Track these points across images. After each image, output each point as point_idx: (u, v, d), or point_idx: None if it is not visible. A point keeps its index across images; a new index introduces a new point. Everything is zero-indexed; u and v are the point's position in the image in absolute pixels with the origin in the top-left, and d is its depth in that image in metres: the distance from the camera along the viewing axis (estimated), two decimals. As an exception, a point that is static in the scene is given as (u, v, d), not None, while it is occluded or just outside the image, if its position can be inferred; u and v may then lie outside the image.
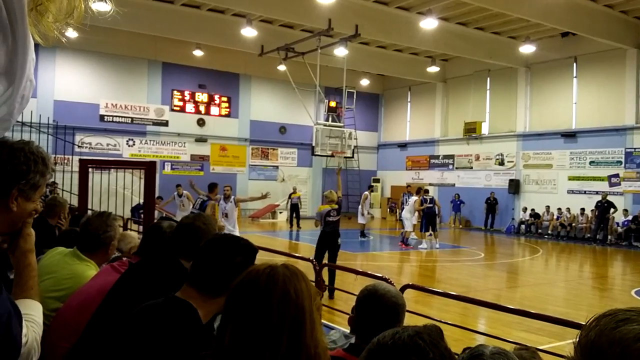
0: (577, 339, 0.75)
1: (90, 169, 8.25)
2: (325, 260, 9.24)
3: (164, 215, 18.42)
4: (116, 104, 24.48)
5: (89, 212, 8.79)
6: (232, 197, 10.99)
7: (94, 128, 23.86)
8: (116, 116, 24.53)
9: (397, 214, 28.62)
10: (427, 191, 18.37)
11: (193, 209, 11.60)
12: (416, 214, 17.68)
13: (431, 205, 17.19)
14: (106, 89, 24.08)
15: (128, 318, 1.82)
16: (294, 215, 23.65)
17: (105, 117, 24.30)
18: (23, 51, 0.88)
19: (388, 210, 29.64)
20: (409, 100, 30.77)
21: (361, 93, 29.67)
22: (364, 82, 29.55)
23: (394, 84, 30.76)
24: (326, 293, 8.88)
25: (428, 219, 17.16)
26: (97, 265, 2.86)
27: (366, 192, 20.22)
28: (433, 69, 25.90)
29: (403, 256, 15.49)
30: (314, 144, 21.60)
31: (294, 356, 1.35)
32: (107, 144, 24.24)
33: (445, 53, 24.22)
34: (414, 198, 17.45)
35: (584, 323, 2.98)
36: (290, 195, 24.48)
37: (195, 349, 1.63)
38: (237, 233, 11.74)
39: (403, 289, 4.96)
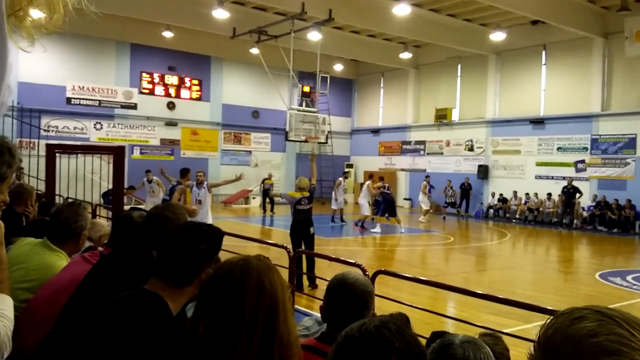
0: (537, 337, 0.78)
1: (57, 154, 8.08)
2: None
3: (134, 201, 18.20)
4: (83, 87, 23.95)
5: (57, 197, 8.63)
6: (205, 182, 10.62)
7: (60, 111, 23.32)
8: (83, 99, 24.02)
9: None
10: (382, 178, 19.26)
11: (166, 196, 11.45)
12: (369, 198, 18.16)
13: (389, 192, 17.76)
14: (73, 70, 23.51)
15: (98, 311, 1.80)
16: (267, 201, 23.57)
17: (72, 100, 23.77)
18: (2, 58, 0.85)
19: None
20: (381, 86, 30.86)
21: (335, 78, 29.61)
22: (338, 67, 29.50)
23: (367, 70, 30.79)
24: (306, 281, 8.89)
25: (387, 205, 17.58)
26: (67, 255, 2.82)
27: (340, 178, 20.33)
28: (405, 55, 25.99)
29: (375, 241, 15.64)
30: (287, 129, 21.53)
31: (268, 345, 1.38)
32: (74, 128, 23.73)
33: (418, 39, 24.31)
34: (368, 182, 18.08)
35: (549, 307, 3.07)
36: (263, 180, 24.39)
37: (166, 343, 1.63)
38: (210, 221, 11.64)
39: (375, 274, 5.02)
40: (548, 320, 0.78)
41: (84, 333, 1.78)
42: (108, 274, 2.23)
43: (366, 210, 17.81)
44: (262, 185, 24.17)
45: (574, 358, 0.71)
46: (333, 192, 19.71)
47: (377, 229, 17.09)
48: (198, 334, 1.38)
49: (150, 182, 16.26)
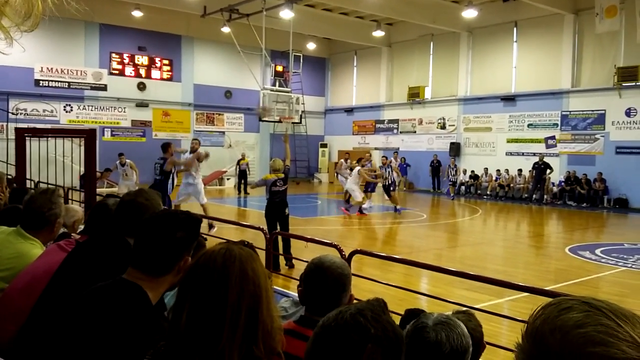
0: (525, 326, 0.80)
1: (27, 138, 7.91)
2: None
3: (106, 183, 17.93)
4: (52, 68, 23.35)
5: (28, 182, 8.48)
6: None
7: (28, 93, 22.72)
8: (52, 81, 23.44)
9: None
10: (347, 155, 19.76)
11: (157, 176, 11.51)
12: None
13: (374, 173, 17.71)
14: (40, 52, 22.85)
15: (76, 301, 1.78)
16: (242, 181, 23.50)
17: (41, 82, 23.19)
18: None
19: (335, 174, 29.84)
20: (355, 64, 30.77)
21: (308, 57, 29.41)
22: (311, 45, 29.28)
23: (340, 48, 30.63)
24: (284, 262, 8.93)
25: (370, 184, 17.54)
26: (42, 243, 2.80)
27: (341, 160, 20.19)
28: (378, 33, 25.93)
29: (351, 220, 15.75)
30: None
31: (252, 333, 1.39)
32: (44, 110, 23.20)
33: (390, 17, 24.26)
34: (358, 168, 16.70)
35: (520, 283, 3.17)
36: (238, 161, 24.25)
37: (146, 333, 1.63)
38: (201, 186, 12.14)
39: (351, 254, 5.08)
40: (536, 311, 0.80)
41: (62, 323, 1.77)
42: (83, 263, 2.20)
43: (358, 196, 16.24)
44: (238, 166, 24.04)
45: (562, 348, 0.73)
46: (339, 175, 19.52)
47: (367, 205, 16.64)
48: (181, 323, 1.39)
49: (123, 165, 16.03)
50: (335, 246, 5.38)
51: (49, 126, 20.43)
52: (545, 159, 20.95)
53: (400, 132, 27.85)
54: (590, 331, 0.73)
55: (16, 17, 0.86)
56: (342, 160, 21.11)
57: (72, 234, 3.28)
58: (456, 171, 23.02)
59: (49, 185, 10.59)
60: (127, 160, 16.01)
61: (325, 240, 5.88)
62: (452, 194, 22.47)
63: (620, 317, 0.74)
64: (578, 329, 0.73)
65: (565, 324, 0.75)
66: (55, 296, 2.16)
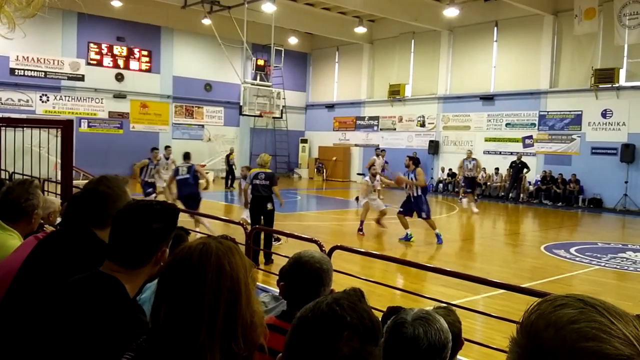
0: (520, 321, 0.82)
1: (1, 128, 7.76)
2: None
3: (82, 175, 17.66)
4: (28, 57, 22.92)
5: (3, 172, 8.31)
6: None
7: (3, 82, 22.29)
8: (28, 70, 23.01)
9: (324, 174, 28.92)
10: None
11: (182, 173, 11.44)
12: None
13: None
14: (16, 40, 22.14)
15: (51, 294, 1.75)
16: (230, 177, 23.21)
17: (16, 71, 22.76)
18: None
19: (315, 170, 29.92)
20: (336, 60, 30.78)
21: (289, 52, 29.33)
22: (292, 40, 29.19)
23: (322, 44, 30.60)
24: (262, 257, 8.91)
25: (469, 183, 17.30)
26: (20, 235, 2.75)
27: (373, 157, 18.63)
28: (360, 30, 25.96)
29: (333, 215, 15.77)
30: (241, 103, 21.28)
31: (231, 328, 1.39)
32: (19, 100, 22.78)
33: (372, 14, 24.30)
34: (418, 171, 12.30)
35: (496, 280, 3.20)
36: (227, 156, 23.98)
37: (124, 326, 1.61)
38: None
39: (332, 250, 5.10)
40: (531, 306, 0.82)
41: (37, 317, 1.74)
42: (47, 255, 2.14)
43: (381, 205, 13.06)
44: (228, 160, 23.79)
45: (556, 343, 0.75)
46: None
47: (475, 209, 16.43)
48: (160, 319, 1.39)
49: (167, 158, 14.28)
50: (315, 242, 5.39)
51: (24, 116, 20.03)
52: (523, 159, 21.23)
53: (381, 129, 27.98)
54: (583, 327, 0.75)
55: (20, 2, 0.86)
56: (375, 157, 18.58)
57: (45, 226, 3.23)
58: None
59: (24, 176, 10.41)
60: (171, 155, 14.42)
61: (305, 236, 5.89)
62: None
63: (614, 314, 0.76)
64: (572, 325, 0.75)
65: (560, 319, 0.77)
66: (21, 290, 2.11)
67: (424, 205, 11.89)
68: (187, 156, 11.69)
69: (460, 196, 18.63)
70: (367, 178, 12.98)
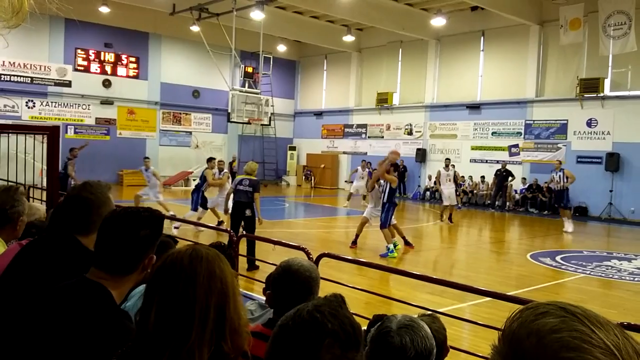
0: (502, 329, 0.81)
1: (-14, 134, 7.68)
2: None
3: (72, 182, 17.51)
4: (14, 62, 22.74)
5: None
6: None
7: (-12, 87, 22.11)
8: (14, 75, 22.83)
9: (312, 182, 28.87)
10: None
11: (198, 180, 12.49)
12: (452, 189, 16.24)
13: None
14: (2, 45, 22.23)
15: (39, 300, 1.74)
16: None
17: (2, 76, 22.57)
18: None
19: (304, 177, 29.91)
20: (325, 68, 30.88)
21: (278, 59, 29.36)
22: (281, 47, 29.25)
23: (310, 52, 30.70)
24: (245, 265, 8.87)
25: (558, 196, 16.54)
26: (4, 242, 2.73)
27: (440, 169, 17.62)
28: (348, 38, 26.08)
29: (321, 223, 15.77)
30: (229, 110, 21.25)
31: (220, 329, 1.40)
32: (5, 105, 22.56)
33: (360, 22, 24.44)
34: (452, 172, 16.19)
35: (481, 288, 3.22)
36: (230, 163, 23.89)
37: (110, 332, 1.61)
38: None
39: (319, 257, 5.10)
40: (513, 314, 0.81)
41: (23, 323, 1.73)
42: (29, 262, 2.11)
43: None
44: (231, 168, 23.71)
45: (537, 352, 0.75)
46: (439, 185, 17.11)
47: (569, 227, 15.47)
48: (149, 323, 1.39)
49: (147, 170, 14.58)
50: (303, 249, 5.39)
51: (9, 122, 19.84)
52: (508, 167, 21.40)
53: (369, 137, 28.07)
54: (565, 336, 0.74)
55: (5, 13, 0.86)
56: (442, 169, 17.46)
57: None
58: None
59: (9, 183, 10.30)
60: (152, 167, 14.71)
61: (293, 243, 5.89)
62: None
63: (595, 323, 0.76)
64: (553, 334, 0.75)
65: (542, 328, 0.76)
66: (2, 296, 2.08)
67: (384, 213, 11.24)
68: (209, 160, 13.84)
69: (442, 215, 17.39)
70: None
